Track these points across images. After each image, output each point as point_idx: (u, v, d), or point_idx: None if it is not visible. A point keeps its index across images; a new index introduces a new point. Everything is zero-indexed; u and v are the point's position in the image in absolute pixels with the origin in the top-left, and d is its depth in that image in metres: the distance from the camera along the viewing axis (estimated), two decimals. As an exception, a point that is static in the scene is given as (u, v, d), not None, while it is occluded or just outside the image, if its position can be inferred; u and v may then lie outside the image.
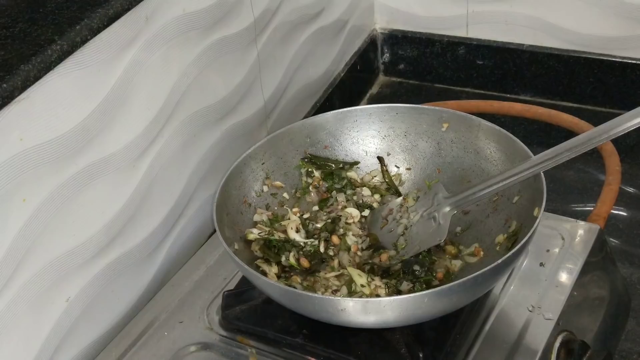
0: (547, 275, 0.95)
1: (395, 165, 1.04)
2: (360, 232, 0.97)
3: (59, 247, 0.87)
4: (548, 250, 0.97)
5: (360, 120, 1.04)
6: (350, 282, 0.89)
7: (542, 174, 0.88)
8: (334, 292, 0.90)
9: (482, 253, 0.92)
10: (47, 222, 0.85)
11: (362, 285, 0.89)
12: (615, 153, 1.09)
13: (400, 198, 0.99)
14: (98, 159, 0.90)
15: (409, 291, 0.88)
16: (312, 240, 0.96)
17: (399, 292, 0.89)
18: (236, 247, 0.93)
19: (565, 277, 0.94)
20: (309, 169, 1.03)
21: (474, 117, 0.99)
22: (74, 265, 0.90)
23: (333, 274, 0.92)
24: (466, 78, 1.56)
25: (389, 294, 0.88)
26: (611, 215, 1.05)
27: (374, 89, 1.62)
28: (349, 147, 1.04)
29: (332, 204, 1.01)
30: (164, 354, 0.92)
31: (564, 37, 1.44)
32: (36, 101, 0.80)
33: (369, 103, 1.57)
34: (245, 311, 0.93)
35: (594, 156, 1.04)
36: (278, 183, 1.02)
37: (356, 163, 1.04)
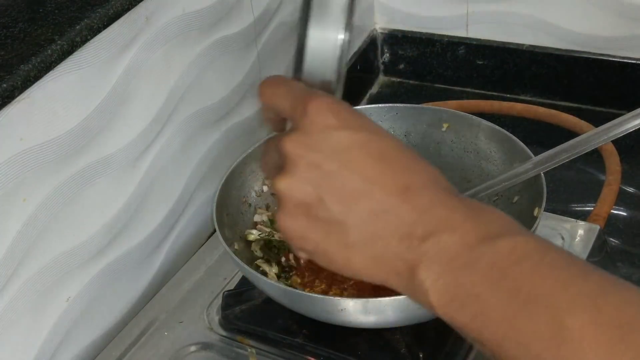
0: (547, 275, 0.95)
1: (396, 165, 1.04)
2: (360, 232, 0.97)
3: (59, 247, 0.87)
4: (548, 251, 0.97)
5: (361, 120, 1.04)
6: (350, 282, 0.90)
7: (542, 174, 0.88)
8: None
9: (482, 253, 0.92)
10: (47, 222, 0.85)
11: (362, 286, 0.89)
12: (615, 153, 1.09)
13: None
14: (98, 159, 0.90)
15: (409, 291, 0.88)
16: (312, 240, 0.96)
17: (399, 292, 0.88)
18: (236, 247, 0.93)
19: (565, 277, 0.94)
20: (309, 169, 1.03)
21: (474, 117, 0.99)
22: (74, 265, 0.90)
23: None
24: (466, 78, 1.56)
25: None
26: (611, 215, 1.05)
27: (374, 89, 1.62)
28: (349, 147, 1.04)
29: (332, 204, 1.01)
30: (164, 354, 0.92)
31: (564, 37, 1.44)
32: (36, 101, 0.80)
33: (369, 103, 1.57)
34: (245, 311, 0.93)
35: (594, 156, 1.04)
36: (278, 183, 1.02)
37: (356, 163, 1.04)
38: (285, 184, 0.52)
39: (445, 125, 1.01)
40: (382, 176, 0.51)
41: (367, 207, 0.51)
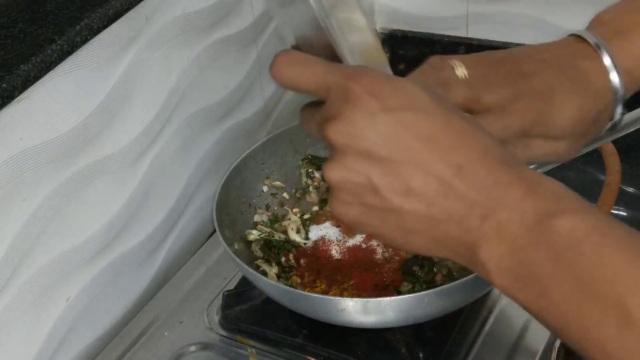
0: (547, 275, 0.95)
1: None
2: (360, 232, 0.97)
3: (59, 247, 0.87)
4: (548, 251, 0.97)
5: (361, 120, 1.04)
6: (350, 282, 0.90)
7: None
8: (334, 292, 0.90)
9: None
10: (47, 222, 0.85)
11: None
12: (615, 153, 1.09)
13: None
14: (98, 159, 0.90)
15: (409, 291, 0.88)
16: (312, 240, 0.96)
17: (399, 292, 0.89)
18: (236, 247, 0.93)
19: (565, 277, 0.94)
20: (309, 170, 1.03)
21: (474, 117, 0.99)
22: (74, 265, 0.90)
23: (333, 274, 0.92)
24: (466, 78, 1.56)
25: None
26: (611, 215, 1.05)
27: (374, 89, 1.62)
28: (349, 147, 1.04)
29: (332, 204, 1.01)
30: (164, 354, 0.92)
31: (564, 37, 1.44)
32: (36, 101, 0.80)
33: (369, 103, 1.57)
34: (245, 311, 0.93)
35: (594, 156, 1.04)
36: (278, 183, 1.02)
37: (356, 163, 1.04)
38: (337, 173, 0.52)
39: (445, 125, 1.01)
40: (433, 159, 0.50)
41: (422, 192, 0.50)
